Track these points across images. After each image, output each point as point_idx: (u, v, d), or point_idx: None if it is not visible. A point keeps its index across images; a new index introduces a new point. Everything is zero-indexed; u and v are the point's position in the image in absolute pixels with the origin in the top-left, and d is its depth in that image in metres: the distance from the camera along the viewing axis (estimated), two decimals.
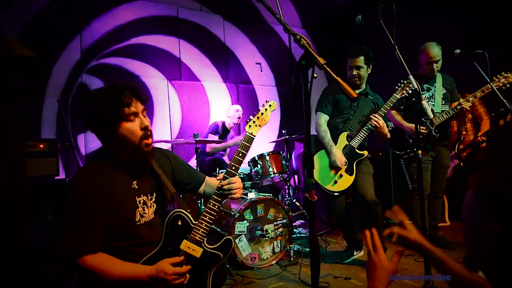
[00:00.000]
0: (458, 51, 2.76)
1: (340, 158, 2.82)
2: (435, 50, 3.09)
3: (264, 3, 1.37)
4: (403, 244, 1.15)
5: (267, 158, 3.48)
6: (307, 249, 3.08)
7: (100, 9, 4.24)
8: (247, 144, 1.63)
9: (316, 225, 4.30)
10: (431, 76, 3.19)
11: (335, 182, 2.85)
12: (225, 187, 1.57)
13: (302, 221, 4.41)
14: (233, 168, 1.61)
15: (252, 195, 3.09)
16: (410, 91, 2.81)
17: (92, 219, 1.36)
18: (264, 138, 5.18)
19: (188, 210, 1.55)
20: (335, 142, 2.91)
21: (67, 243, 1.33)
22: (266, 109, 1.71)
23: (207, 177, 1.83)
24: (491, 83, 2.68)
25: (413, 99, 2.06)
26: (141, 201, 1.50)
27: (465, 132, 3.76)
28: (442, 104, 3.16)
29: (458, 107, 2.98)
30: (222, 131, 4.40)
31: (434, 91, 3.21)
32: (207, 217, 1.53)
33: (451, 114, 3.01)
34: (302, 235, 3.73)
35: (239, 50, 5.26)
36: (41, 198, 2.62)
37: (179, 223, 1.51)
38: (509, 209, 0.72)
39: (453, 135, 3.84)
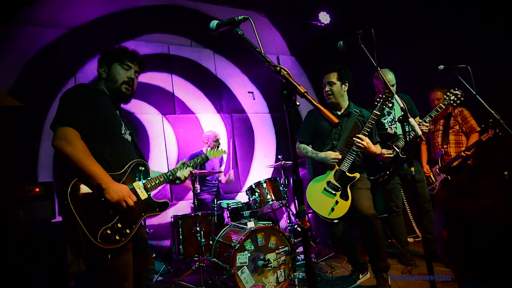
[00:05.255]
0: (441, 67, 2.83)
1: (330, 153, 2.79)
2: (390, 76, 3.27)
3: (245, 38, 1.43)
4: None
5: (264, 185, 3.47)
6: None
7: (93, 51, 4.34)
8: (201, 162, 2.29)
9: (321, 250, 4.16)
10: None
11: (332, 209, 2.75)
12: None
13: None
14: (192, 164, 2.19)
15: (251, 224, 3.04)
16: (390, 105, 2.85)
17: (85, 108, 1.69)
18: (261, 165, 5.19)
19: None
20: (326, 169, 2.86)
21: (62, 113, 1.65)
22: (218, 151, 2.60)
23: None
24: (477, 96, 2.71)
25: (400, 117, 2.09)
26: (122, 125, 1.88)
27: (446, 146, 3.60)
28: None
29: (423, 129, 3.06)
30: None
31: (394, 114, 3.33)
32: (162, 179, 1.95)
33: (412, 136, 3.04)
34: None
35: (230, 81, 5.38)
36: (38, 243, 2.59)
37: (141, 168, 1.88)
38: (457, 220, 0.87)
39: (436, 147, 3.75)
